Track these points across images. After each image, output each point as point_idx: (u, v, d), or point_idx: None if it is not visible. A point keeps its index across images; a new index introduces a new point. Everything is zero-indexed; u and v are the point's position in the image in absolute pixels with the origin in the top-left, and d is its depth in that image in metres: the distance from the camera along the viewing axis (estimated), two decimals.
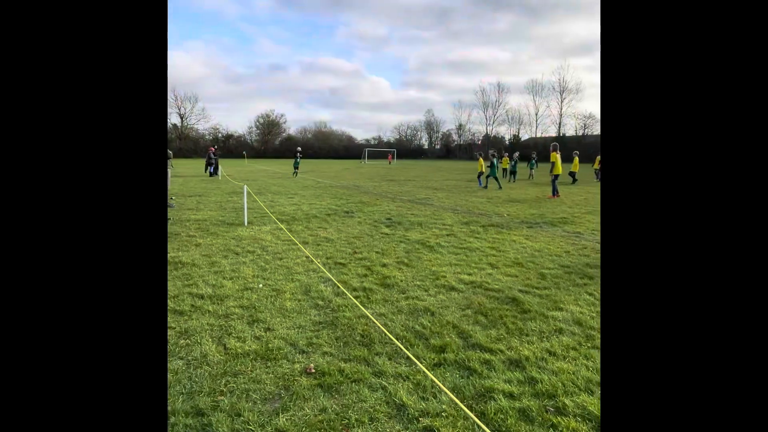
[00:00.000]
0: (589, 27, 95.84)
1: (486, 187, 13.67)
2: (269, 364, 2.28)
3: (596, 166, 18.11)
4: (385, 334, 2.59)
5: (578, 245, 5.33)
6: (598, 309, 3.10)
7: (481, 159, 14.75)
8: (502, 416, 1.83)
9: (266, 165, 33.71)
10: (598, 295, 3.39)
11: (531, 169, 18.54)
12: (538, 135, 68.29)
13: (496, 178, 13.66)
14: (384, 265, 4.22)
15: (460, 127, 77.15)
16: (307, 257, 4.50)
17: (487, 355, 2.37)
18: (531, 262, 4.42)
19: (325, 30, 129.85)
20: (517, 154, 17.84)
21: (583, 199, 10.75)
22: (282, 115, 75.61)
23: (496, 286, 3.59)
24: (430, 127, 79.39)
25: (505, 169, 18.81)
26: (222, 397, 1.97)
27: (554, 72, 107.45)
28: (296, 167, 18.29)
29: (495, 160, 13.67)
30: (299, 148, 18.10)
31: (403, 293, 3.41)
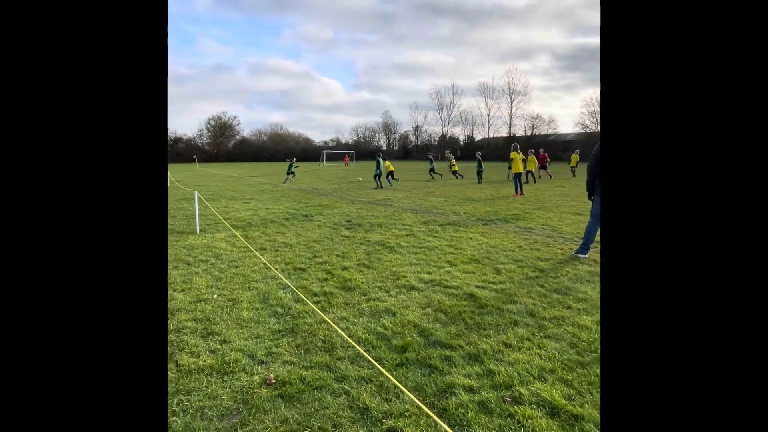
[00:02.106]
0: (522, 34, 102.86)
1: (381, 186, 14.89)
2: (226, 378, 2.18)
3: (573, 164, 19.20)
4: (347, 339, 2.57)
5: (530, 240, 5.61)
6: (549, 300, 3.28)
7: (386, 161, 15.78)
8: (462, 410, 1.88)
9: (220, 169, 32.30)
10: (548, 286, 3.59)
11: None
12: (491, 135, 71.20)
13: (377, 178, 15.06)
14: (345, 268, 4.19)
15: (416, 128, 78.58)
16: (265, 264, 4.36)
17: (447, 352, 2.42)
18: (487, 258, 4.58)
19: (270, 31, 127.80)
20: (479, 153, 17.87)
21: (534, 196, 11.33)
22: (235, 117, 73.08)
23: (455, 284, 3.68)
24: (388, 128, 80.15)
25: (455, 171, 19.30)
26: (174, 418, 1.85)
27: (503, 75, 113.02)
28: (289, 173, 17.93)
29: (381, 160, 14.97)
30: (294, 158, 17.55)
31: (365, 295, 3.41)
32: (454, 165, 19.51)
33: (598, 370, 2.20)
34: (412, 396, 1.94)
